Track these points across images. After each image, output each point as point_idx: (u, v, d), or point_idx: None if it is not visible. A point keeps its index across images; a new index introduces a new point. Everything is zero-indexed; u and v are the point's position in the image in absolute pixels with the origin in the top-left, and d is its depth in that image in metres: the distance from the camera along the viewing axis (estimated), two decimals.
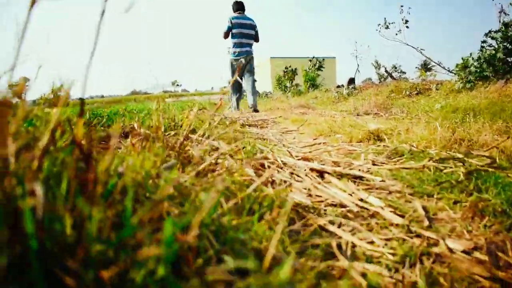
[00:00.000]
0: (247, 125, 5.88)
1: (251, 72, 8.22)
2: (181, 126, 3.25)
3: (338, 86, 17.93)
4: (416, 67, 14.45)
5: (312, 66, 19.43)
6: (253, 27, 7.99)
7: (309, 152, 2.98)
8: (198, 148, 1.96)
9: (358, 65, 16.90)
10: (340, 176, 2.13)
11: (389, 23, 11.94)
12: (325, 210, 1.66)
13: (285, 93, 20.10)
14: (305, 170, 2.21)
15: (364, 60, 21.32)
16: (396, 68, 15.18)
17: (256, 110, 8.17)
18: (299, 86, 20.36)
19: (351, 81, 16.34)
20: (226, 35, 7.97)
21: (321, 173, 2.20)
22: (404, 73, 14.77)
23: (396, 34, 11.55)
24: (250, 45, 8.06)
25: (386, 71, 14.70)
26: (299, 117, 6.19)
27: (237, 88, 8.40)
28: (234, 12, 7.97)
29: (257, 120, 6.56)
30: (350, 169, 2.29)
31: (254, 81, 8.33)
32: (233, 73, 8.05)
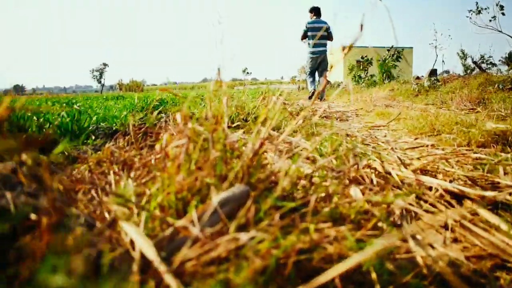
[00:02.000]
0: (325, 117, 5.13)
1: (325, 67, 9.57)
2: (255, 118, 2.60)
3: (418, 78, 16.58)
4: (499, 60, 12.89)
5: (390, 56, 18.20)
6: (326, 29, 9.24)
7: (417, 158, 2.23)
8: (283, 159, 1.28)
9: (437, 55, 15.48)
10: (488, 203, 1.38)
11: (482, 8, 10.59)
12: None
13: (358, 84, 19.01)
14: (435, 191, 1.48)
15: (444, 50, 19.63)
16: (484, 58, 13.66)
17: (322, 99, 9.39)
18: (374, 76, 19.18)
19: (433, 72, 14.95)
20: (302, 37, 9.46)
21: (457, 196, 1.46)
22: (495, 65, 13.22)
23: (490, 20, 10.21)
24: (324, 45, 9.46)
25: (474, 61, 13.25)
26: (384, 110, 5.35)
27: (313, 79, 9.73)
28: (311, 16, 9.41)
29: (335, 111, 5.80)
30: (499, 190, 1.52)
31: (327, 73, 8.99)
32: (310, 67, 9.57)
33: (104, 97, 9.44)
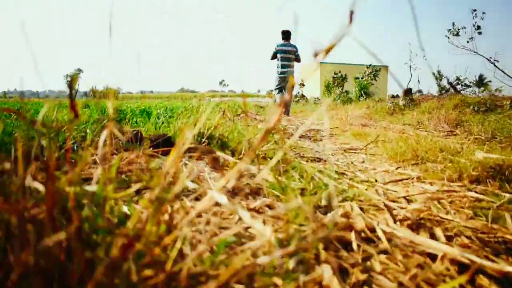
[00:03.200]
0: (298, 136, 4.71)
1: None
2: (208, 138, 2.17)
3: (393, 96, 16.38)
4: (470, 82, 12.83)
5: (367, 74, 18.07)
6: (294, 52, 10.23)
7: (404, 198, 1.83)
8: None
9: (412, 75, 15.43)
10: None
11: (459, 29, 10.46)
12: None
13: (334, 100, 18.80)
14: (440, 262, 1.06)
15: (418, 70, 19.67)
16: (460, 80, 13.58)
17: (287, 115, 10.21)
18: (349, 93, 19.04)
19: (408, 91, 14.81)
20: (272, 58, 10.41)
21: (466, 266, 1.05)
22: (470, 86, 13.11)
23: (468, 41, 10.06)
24: (292, 66, 10.34)
25: (449, 82, 13.14)
26: (361, 130, 4.98)
27: (281, 96, 10.53)
28: (282, 39, 10.25)
29: (310, 130, 5.40)
30: None
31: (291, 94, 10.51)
32: (278, 85, 10.52)
33: (66, 105, 8.86)
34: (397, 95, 15.48)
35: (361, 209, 1.57)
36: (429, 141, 3.64)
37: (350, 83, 19.73)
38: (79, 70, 49.73)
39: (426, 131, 6.13)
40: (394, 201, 1.74)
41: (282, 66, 10.26)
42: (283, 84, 10.41)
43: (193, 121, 2.27)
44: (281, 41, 10.27)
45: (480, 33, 10.31)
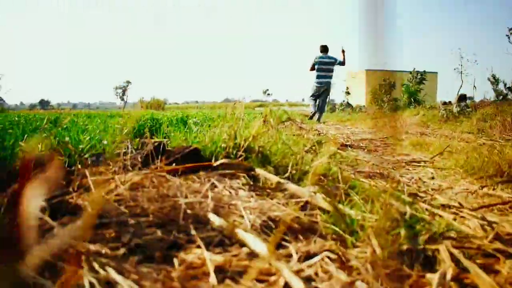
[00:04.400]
0: (349, 145, 4.20)
1: (327, 94, 11.57)
2: (245, 151, 1.73)
3: (445, 103, 15.41)
4: (508, 87, 11.57)
5: (413, 79, 17.20)
6: (332, 63, 11.05)
7: None
8: None
9: (463, 81, 14.47)
10: None
11: None
12: None
13: (381, 108, 17.98)
14: None
15: (470, 76, 18.63)
16: None
17: (318, 120, 11.03)
18: (397, 101, 18.18)
19: (462, 97, 13.82)
20: (311, 69, 11.19)
21: None
22: None
23: None
24: (330, 77, 11.14)
25: (509, 87, 12.16)
26: (420, 139, 4.39)
27: (315, 103, 11.37)
28: (321, 52, 11.08)
29: (360, 139, 4.87)
30: None
31: (326, 103, 11.86)
32: (314, 93, 11.28)
33: (109, 114, 8.75)
34: (449, 102, 14.52)
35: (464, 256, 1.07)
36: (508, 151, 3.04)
37: (397, 91, 18.89)
38: (128, 82, 50.86)
39: (491, 139, 5.43)
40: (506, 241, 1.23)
41: (318, 77, 11.08)
42: (319, 93, 11.24)
43: (228, 130, 1.82)
44: (320, 54, 11.15)
45: None
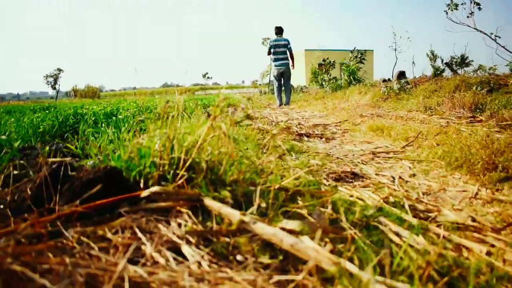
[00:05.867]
0: (304, 134, 3.73)
1: (288, 76, 11.18)
2: (187, 168, 1.18)
3: (385, 80, 15.48)
4: (445, 63, 11.75)
5: (354, 58, 17.15)
6: (285, 45, 10.92)
7: None
8: None
9: (397, 58, 14.51)
10: None
11: (457, 4, 9.56)
12: None
13: (322, 88, 17.84)
14: None
15: (404, 53, 18.94)
16: (454, 59, 12.70)
17: (287, 104, 11.07)
18: (338, 80, 18.10)
19: (402, 74, 13.85)
20: (268, 53, 11.12)
21: None
22: (469, 65, 12.26)
23: (468, 17, 9.17)
24: (285, 59, 11.00)
25: (446, 63, 12.23)
26: (378, 123, 4.00)
27: (278, 89, 11.32)
28: (276, 34, 11.01)
29: (314, 125, 4.43)
30: None
31: (289, 84, 11.42)
32: (275, 77, 11.23)
33: (32, 107, 7.69)
34: (389, 79, 14.55)
35: None
36: (480, 137, 2.68)
37: (336, 70, 18.80)
38: (59, 70, 47.64)
39: (442, 118, 5.19)
40: None
41: (275, 60, 10.99)
42: (279, 76, 11.11)
43: (162, 136, 1.25)
44: (274, 37, 11.06)
45: (479, 8, 9.39)
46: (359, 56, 17.18)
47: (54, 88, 47.34)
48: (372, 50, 34.58)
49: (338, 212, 1.29)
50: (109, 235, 0.92)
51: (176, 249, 0.89)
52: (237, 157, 1.36)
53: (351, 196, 1.59)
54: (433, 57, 13.14)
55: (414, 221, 1.27)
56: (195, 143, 1.26)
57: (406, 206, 1.40)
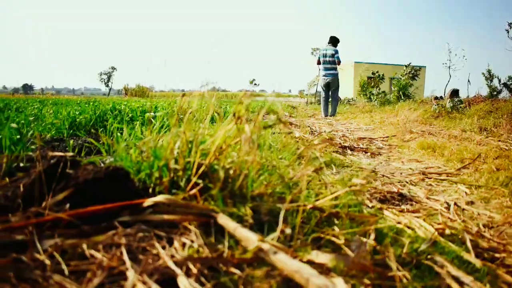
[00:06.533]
0: (348, 147, 3.47)
1: (335, 87, 10.80)
2: (203, 177, 0.98)
3: (436, 98, 14.85)
4: (503, 83, 10.85)
5: (406, 74, 16.59)
6: (333, 55, 10.37)
7: None
8: None
9: (451, 76, 13.80)
10: None
11: None
12: None
13: (370, 101, 17.36)
14: None
15: (457, 71, 18.20)
16: None
17: (333, 115, 10.70)
18: (387, 94, 17.57)
19: (455, 92, 13.19)
20: (317, 63, 10.77)
21: None
22: None
23: None
24: (332, 69, 10.60)
25: (504, 83, 11.54)
26: (429, 141, 3.68)
27: (325, 99, 10.90)
28: (328, 43, 10.64)
29: (359, 138, 4.15)
30: None
31: (336, 95, 11.00)
32: (322, 87, 10.89)
33: (78, 101, 7.83)
34: (441, 97, 13.93)
35: None
36: None
37: (385, 84, 18.26)
38: (113, 68, 49.28)
39: (500, 140, 4.76)
40: None
41: (323, 69, 10.66)
42: (326, 86, 10.76)
43: (178, 138, 1.06)
44: (325, 46, 10.74)
45: None
46: (412, 72, 16.63)
47: (107, 86, 48.99)
48: (425, 67, 33.46)
49: (382, 243, 1.05)
50: (92, 252, 0.73)
51: (170, 281, 0.69)
52: (267, 167, 1.15)
53: (398, 223, 1.34)
54: (489, 76, 12.41)
55: (478, 263, 1.02)
56: (215, 147, 1.06)
57: (468, 243, 1.14)
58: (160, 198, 0.91)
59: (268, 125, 1.03)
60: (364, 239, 1.01)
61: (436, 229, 1.28)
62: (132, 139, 1.77)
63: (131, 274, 0.66)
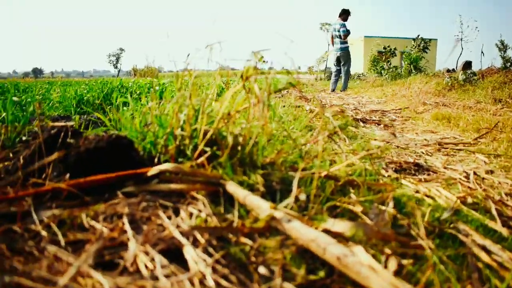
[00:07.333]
0: (360, 120, 3.38)
1: (344, 62, 10.75)
2: (211, 144, 0.91)
3: (449, 70, 14.55)
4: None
5: (416, 46, 16.24)
6: (340, 29, 10.27)
7: None
8: None
9: (463, 48, 13.46)
10: None
11: None
12: None
13: (380, 76, 17.07)
14: None
15: (470, 44, 17.81)
16: None
17: (343, 90, 10.69)
18: (397, 68, 17.26)
19: (468, 65, 12.89)
20: (331, 40, 10.72)
21: None
22: None
23: None
24: (343, 43, 10.51)
25: None
26: (443, 111, 3.57)
27: (335, 74, 11.06)
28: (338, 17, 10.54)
29: (371, 110, 4.06)
30: None
31: (347, 70, 10.90)
32: (334, 63, 10.93)
33: (86, 82, 7.77)
34: (453, 70, 13.65)
35: None
36: None
37: (396, 59, 17.95)
38: (121, 50, 49.17)
39: None
40: None
41: (335, 43, 10.60)
42: (336, 61, 10.79)
43: (184, 105, 0.99)
44: (335, 20, 10.66)
45: None
46: (422, 44, 16.28)
47: (116, 67, 48.95)
48: (436, 39, 32.71)
49: (402, 212, 0.99)
50: (92, 222, 0.68)
51: (176, 251, 0.63)
52: (277, 137, 1.09)
53: (417, 191, 1.27)
54: (503, 47, 12.07)
55: (505, 232, 0.95)
56: (222, 111, 0.99)
57: (493, 211, 1.07)
58: (165, 166, 0.85)
59: (278, 88, 0.96)
60: (383, 207, 0.94)
61: (457, 197, 1.21)
62: (138, 110, 1.71)
63: (132, 244, 0.60)
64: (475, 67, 12.52)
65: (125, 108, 1.81)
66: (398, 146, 2.31)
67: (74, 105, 3.02)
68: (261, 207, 0.73)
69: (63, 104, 3.00)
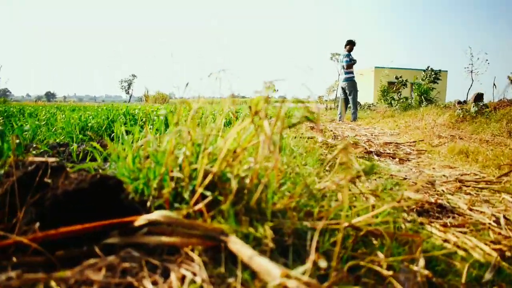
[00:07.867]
0: (374, 153, 3.24)
1: (350, 92, 10.93)
2: (209, 185, 0.77)
3: (460, 102, 14.43)
4: None
5: (426, 77, 16.18)
6: (343, 59, 10.75)
7: None
8: None
9: (473, 80, 13.30)
10: None
11: None
12: None
13: (391, 107, 16.97)
14: None
15: (480, 76, 17.70)
16: None
17: (354, 120, 10.56)
18: (408, 99, 17.17)
19: (479, 97, 12.79)
20: (341, 68, 11.05)
21: None
22: None
23: None
24: (347, 73, 10.84)
25: None
26: (460, 146, 3.41)
27: (341, 104, 11.51)
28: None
29: (384, 143, 3.91)
30: None
31: (353, 99, 10.98)
32: (341, 93, 11.21)
33: (96, 107, 7.73)
34: (464, 101, 13.52)
35: None
36: None
37: (406, 89, 17.89)
38: (134, 76, 49.92)
39: None
40: None
41: (340, 73, 11.14)
42: (342, 91, 11.09)
43: (183, 140, 0.86)
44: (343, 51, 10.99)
45: None
46: (432, 75, 16.21)
47: (128, 93, 49.55)
48: (446, 71, 32.69)
49: (434, 269, 0.84)
50: None
51: None
52: (289, 175, 0.95)
53: (445, 240, 1.12)
54: None
55: None
56: (227, 149, 0.86)
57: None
58: (155, 216, 0.72)
59: (292, 123, 0.83)
60: (414, 267, 0.79)
61: (493, 249, 1.06)
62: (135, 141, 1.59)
63: None
64: (486, 99, 12.35)
65: (126, 137, 1.69)
66: (414, 183, 2.16)
67: (78, 131, 2.92)
68: (271, 273, 0.59)
69: (66, 130, 2.91)
